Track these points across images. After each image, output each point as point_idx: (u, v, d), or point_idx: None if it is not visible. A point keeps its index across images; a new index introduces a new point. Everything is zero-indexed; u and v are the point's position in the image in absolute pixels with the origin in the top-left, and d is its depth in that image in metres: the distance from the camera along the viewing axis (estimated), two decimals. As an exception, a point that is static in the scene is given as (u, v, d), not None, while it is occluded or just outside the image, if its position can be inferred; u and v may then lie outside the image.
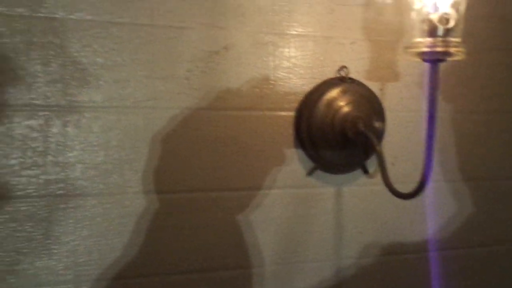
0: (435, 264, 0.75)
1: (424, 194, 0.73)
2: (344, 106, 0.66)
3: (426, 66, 0.48)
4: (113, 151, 0.62)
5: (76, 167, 0.61)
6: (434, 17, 0.45)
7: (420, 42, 0.47)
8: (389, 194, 0.60)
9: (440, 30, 0.45)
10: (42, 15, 0.58)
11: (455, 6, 0.46)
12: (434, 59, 0.46)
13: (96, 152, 0.61)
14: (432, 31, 0.46)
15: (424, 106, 0.70)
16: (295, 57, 0.69)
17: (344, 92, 0.66)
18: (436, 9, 0.46)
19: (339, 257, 0.73)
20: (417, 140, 0.74)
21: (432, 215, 0.76)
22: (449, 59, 0.46)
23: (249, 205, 0.68)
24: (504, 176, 0.81)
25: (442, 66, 0.66)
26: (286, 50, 0.68)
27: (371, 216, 0.74)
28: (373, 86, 0.72)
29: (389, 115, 0.73)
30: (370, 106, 0.68)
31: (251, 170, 0.68)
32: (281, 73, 0.68)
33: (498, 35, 0.77)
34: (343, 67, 0.70)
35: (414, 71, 0.74)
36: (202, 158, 0.65)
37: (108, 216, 0.62)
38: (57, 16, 0.59)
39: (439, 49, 0.45)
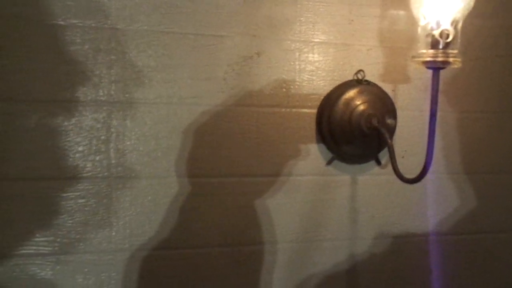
0: (438, 247, 0.84)
1: (429, 185, 0.82)
2: (360, 104, 0.76)
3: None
4: (162, 141, 0.74)
5: (132, 154, 0.73)
6: (436, 32, 0.55)
7: (424, 53, 0.57)
8: (398, 183, 0.70)
9: (441, 43, 0.55)
10: (107, 26, 0.70)
11: (453, 23, 0.56)
12: (436, 67, 0.56)
13: (149, 141, 0.73)
14: (434, 44, 0.56)
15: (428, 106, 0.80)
16: (318, 62, 0.79)
17: (360, 93, 0.76)
18: (438, 25, 0.56)
19: (353, 237, 0.83)
20: (425, 136, 0.83)
21: (436, 205, 0.85)
22: (449, 67, 0.56)
23: (276, 189, 0.79)
24: (506, 170, 0.89)
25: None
26: (310, 55, 0.78)
27: (383, 202, 0.84)
28: (387, 88, 0.82)
29: (400, 113, 0.83)
30: (383, 105, 0.77)
31: (279, 159, 0.78)
32: (306, 76, 0.78)
33: (500, 42, 0.86)
34: (360, 70, 0.79)
35: (423, 75, 0.83)
36: (237, 148, 0.76)
37: (156, 195, 0.74)
38: (119, 27, 0.70)
39: (440, 59, 0.55)
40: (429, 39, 0.55)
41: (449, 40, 0.54)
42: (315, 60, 0.78)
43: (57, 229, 0.70)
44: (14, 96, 0.67)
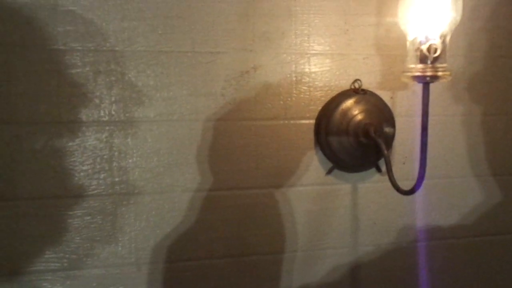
0: (442, 252, 0.84)
1: (433, 190, 0.83)
2: (357, 114, 0.76)
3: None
4: (164, 157, 0.76)
5: (134, 171, 0.75)
6: (424, 47, 0.55)
7: (413, 68, 0.57)
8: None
9: (430, 58, 0.55)
10: (106, 48, 0.72)
11: (442, 37, 0.56)
12: (425, 82, 0.56)
13: (150, 158, 0.75)
14: (423, 59, 0.56)
15: (431, 110, 0.81)
16: (315, 73, 0.80)
17: (357, 102, 0.77)
18: (427, 39, 0.56)
19: (355, 245, 0.84)
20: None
21: (441, 210, 0.85)
22: (437, 81, 0.56)
23: (278, 200, 0.80)
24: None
25: (472, 70, 0.73)
26: (307, 67, 0.79)
27: (384, 209, 0.84)
28: (385, 95, 0.82)
29: (399, 120, 0.83)
30: (381, 114, 0.78)
31: (278, 170, 0.80)
32: (302, 87, 0.79)
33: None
34: (357, 80, 0.80)
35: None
36: (237, 162, 0.78)
37: (161, 210, 0.76)
38: (117, 48, 0.72)
39: (429, 73, 0.55)
40: (418, 54, 0.56)
41: (437, 54, 0.55)
42: (311, 72, 0.79)
43: (65, 245, 0.73)
44: (20, 119, 0.70)
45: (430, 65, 0.55)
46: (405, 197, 0.84)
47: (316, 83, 0.79)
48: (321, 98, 0.80)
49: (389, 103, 0.82)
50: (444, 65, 0.56)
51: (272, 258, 0.81)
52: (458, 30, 0.74)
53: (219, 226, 0.78)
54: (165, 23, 0.73)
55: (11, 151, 0.70)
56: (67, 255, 0.73)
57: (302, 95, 0.79)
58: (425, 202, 0.84)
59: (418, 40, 0.57)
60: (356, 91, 0.78)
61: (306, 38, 0.78)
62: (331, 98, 0.79)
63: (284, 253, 0.81)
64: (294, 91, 0.79)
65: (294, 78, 0.79)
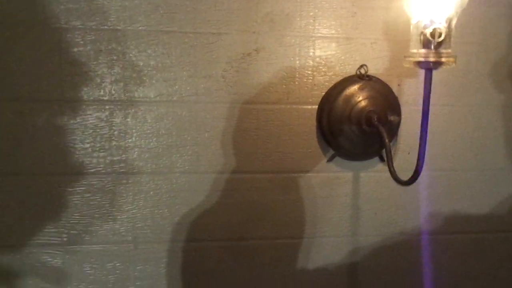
0: (444, 246, 0.82)
1: (436, 182, 0.80)
2: (361, 101, 0.74)
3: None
4: (163, 138, 0.76)
5: (134, 151, 0.75)
6: (428, 31, 0.52)
7: (416, 53, 0.54)
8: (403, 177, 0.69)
9: (433, 43, 0.52)
10: (107, 27, 0.72)
11: (447, 21, 0.53)
12: (427, 67, 0.54)
13: (150, 138, 0.75)
14: (426, 43, 0.53)
15: (439, 101, 0.78)
16: (319, 57, 0.77)
17: (361, 89, 0.75)
18: (431, 23, 0.53)
19: (355, 234, 0.83)
20: (432, 131, 0.81)
21: (445, 202, 0.83)
22: (441, 67, 0.53)
23: (277, 186, 0.79)
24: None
25: (494, 58, 0.69)
26: (311, 50, 0.77)
27: (386, 199, 0.82)
28: (392, 83, 0.79)
29: (406, 108, 0.80)
30: (386, 101, 0.75)
31: (279, 156, 0.79)
32: (306, 71, 0.77)
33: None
34: (363, 65, 0.77)
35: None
36: (237, 145, 0.77)
37: (159, 191, 0.77)
38: (119, 27, 0.72)
39: (431, 59, 0.53)
40: (421, 38, 0.53)
41: (441, 39, 0.52)
42: (316, 56, 0.77)
43: (65, 221, 0.74)
44: (24, 96, 0.71)
45: (433, 51, 0.52)
46: (408, 188, 0.81)
47: (320, 67, 0.77)
48: (325, 83, 0.78)
49: (396, 91, 0.79)
50: (449, 50, 0.53)
51: (270, 243, 0.80)
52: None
53: (217, 210, 0.78)
54: (167, 2, 0.72)
55: (14, 128, 0.71)
56: (67, 231, 0.74)
57: (305, 80, 0.77)
58: (430, 194, 0.81)
59: (422, 24, 0.54)
60: (361, 77, 0.76)
61: (311, 21, 0.76)
62: (334, 84, 0.77)
63: (282, 239, 0.80)
64: (297, 75, 0.77)
65: (297, 62, 0.77)
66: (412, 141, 0.82)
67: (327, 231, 0.82)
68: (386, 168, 0.79)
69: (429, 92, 0.54)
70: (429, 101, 0.55)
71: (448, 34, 0.52)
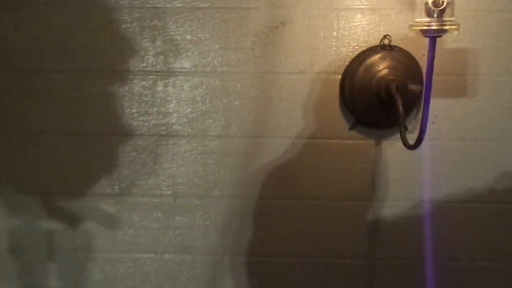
0: (463, 214, 0.84)
1: (459, 151, 0.81)
2: (381, 70, 0.77)
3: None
4: (198, 105, 0.85)
5: (173, 116, 0.85)
6: (430, 0, 0.55)
7: (419, 21, 0.57)
8: (424, 147, 0.71)
9: (436, 11, 0.55)
10: (149, 5, 0.81)
11: (450, -11, 0.55)
12: (431, 35, 0.56)
13: (186, 105, 0.85)
14: (429, 12, 0.56)
15: (468, 70, 0.79)
16: (343, 28, 0.81)
17: (382, 58, 0.78)
18: (437, -9, 0.55)
19: (375, 199, 0.87)
20: (456, 101, 0.82)
21: (466, 171, 0.84)
22: (445, 34, 0.55)
23: (300, 151, 0.85)
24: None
25: None
26: (335, 22, 0.81)
27: (407, 166, 0.85)
28: (417, 53, 0.81)
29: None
30: (407, 71, 0.78)
31: (304, 122, 0.84)
32: (330, 43, 0.82)
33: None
34: (386, 35, 0.80)
35: (457, 37, 0.80)
36: (264, 112, 0.84)
37: (194, 151, 0.87)
38: (159, 5, 0.81)
39: (434, 27, 0.55)
40: (425, 7, 0.55)
41: (442, 7, 0.54)
42: (340, 27, 0.81)
43: (116, 175, 0.87)
44: (81, 68, 0.83)
45: (436, 19, 0.55)
46: (430, 157, 0.84)
47: (344, 38, 0.81)
48: (349, 54, 0.82)
49: (421, 61, 0.81)
50: (452, 18, 0.55)
51: (293, 202, 0.87)
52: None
53: (245, 169, 0.86)
54: (201, -19, 0.80)
55: (74, 95, 0.84)
56: (117, 183, 0.87)
57: (328, 51, 0.82)
58: (451, 164, 0.83)
59: (424, -7, 0.56)
60: (384, 47, 0.78)
61: (336, -7, 0.80)
62: (357, 54, 0.80)
63: (305, 199, 0.87)
64: (321, 46, 0.81)
65: (321, 34, 0.81)
66: (437, 110, 0.83)
67: (349, 194, 0.87)
68: (410, 136, 0.82)
69: (433, 60, 0.57)
70: (432, 68, 0.57)
71: (451, 3, 0.54)
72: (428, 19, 0.55)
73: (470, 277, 0.88)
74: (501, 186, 0.84)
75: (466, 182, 0.85)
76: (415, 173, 0.85)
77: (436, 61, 0.79)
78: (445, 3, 0.53)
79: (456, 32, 0.55)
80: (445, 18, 0.54)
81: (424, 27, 0.55)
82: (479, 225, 0.86)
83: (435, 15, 0.54)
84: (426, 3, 0.54)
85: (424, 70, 0.80)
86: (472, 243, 0.87)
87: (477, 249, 0.88)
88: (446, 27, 0.54)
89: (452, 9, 0.55)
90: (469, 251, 0.88)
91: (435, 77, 0.79)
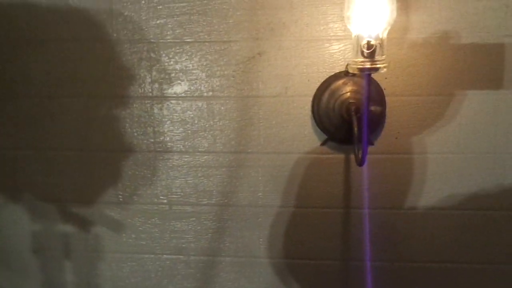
0: (435, 222, 0.93)
1: (428, 164, 0.91)
2: (343, 94, 0.88)
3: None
4: (188, 125, 0.98)
5: (167, 134, 0.99)
6: (364, 43, 0.65)
7: (356, 61, 0.68)
8: (391, 160, 0.85)
9: (369, 52, 0.65)
10: (146, 40, 0.95)
11: (378, 35, 0.65)
12: (365, 73, 0.67)
13: (178, 125, 0.98)
14: (363, 52, 0.66)
15: (424, 91, 0.88)
16: (312, 56, 0.92)
17: (345, 84, 0.88)
18: (368, 35, 0.66)
19: (346, 207, 0.97)
20: (417, 118, 0.92)
21: (432, 182, 0.93)
22: (377, 72, 0.66)
23: (278, 165, 0.97)
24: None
25: None
26: (305, 52, 0.92)
27: (377, 178, 0.96)
28: (379, 76, 0.91)
29: (393, 99, 0.92)
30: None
31: (280, 139, 0.96)
32: (301, 69, 0.93)
33: None
34: (349, 64, 0.90)
35: (416, 61, 0.90)
36: (244, 130, 0.95)
37: (186, 165, 1.00)
38: (153, 40, 0.95)
39: (367, 65, 0.66)
40: (359, 49, 0.66)
41: (373, 49, 0.65)
42: (309, 56, 0.92)
43: (120, 186, 1.02)
44: (88, 93, 0.98)
45: (368, 59, 0.65)
46: (396, 169, 0.93)
47: (313, 66, 0.92)
48: (319, 78, 0.93)
49: (382, 83, 0.91)
50: (383, 57, 0.65)
51: (268, 210, 0.99)
52: None
53: (230, 180, 0.98)
54: (188, 19, 0.93)
55: (83, 117, 0.99)
56: (121, 193, 1.02)
57: (300, 76, 0.93)
58: (419, 175, 0.92)
59: (359, 37, 0.67)
60: (347, 74, 0.89)
61: (304, 27, 0.91)
62: (324, 80, 0.91)
63: (287, 207, 0.98)
64: (294, 73, 0.93)
65: (293, 62, 0.93)
66: (399, 127, 0.93)
67: (319, 202, 0.98)
68: (375, 150, 0.92)
69: (368, 92, 0.68)
70: (368, 99, 0.68)
71: (382, 43, 0.65)
72: (362, 59, 0.66)
73: (439, 277, 0.97)
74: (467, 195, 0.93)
75: (437, 191, 0.94)
76: (384, 183, 0.95)
77: (396, 83, 0.89)
78: (377, 45, 0.64)
79: (385, 69, 0.66)
80: (377, 57, 0.65)
81: (360, 66, 0.66)
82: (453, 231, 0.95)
83: (368, 55, 0.65)
84: (361, 46, 0.65)
85: (385, 92, 0.91)
86: (451, 247, 0.96)
87: (452, 252, 0.97)
88: (377, 65, 0.65)
89: (383, 49, 0.65)
90: (438, 254, 0.97)
91: (396, 98, 0.90)
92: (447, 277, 0.97)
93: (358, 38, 0.68)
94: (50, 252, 1.06)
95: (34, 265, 1.07)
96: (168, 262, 1.04)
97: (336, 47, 0.91)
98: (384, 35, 0.66)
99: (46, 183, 1.02)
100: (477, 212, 0.94)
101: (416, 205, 0.95)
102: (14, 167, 1.02)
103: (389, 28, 0.66)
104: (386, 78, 0.91)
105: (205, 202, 1.00)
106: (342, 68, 0.91)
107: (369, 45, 0.64)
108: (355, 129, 0.80)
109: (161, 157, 0.99)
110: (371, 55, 0.64)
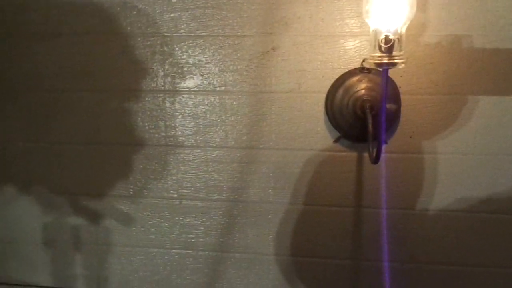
0: (445, 223, 0.91)
1: (440, 165, 0.89)
2: (358, 91, 0.87)
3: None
4: (200, 120, 0.97)
5: (179, 129, 0.98)
6: (382, 37, 0.64)
7: (373, 56, 0.66)
8: (403, 159, 0.84)
9: (386, 47, 0.64)
10: (159, 34, 0.95)
11: (397, 30, 0.64)
12: (383, 68, 0.66)
13: (190, 119, 0.98)
14: (381, 47, 0.65)
15: (440, 90, 0.87)
16: (327, 52, 0.91)
17: (359, 80, 0.87)
18: (387, 29, 0.65)
19: (358, 206, 0.96)
20: (432, 118, 0.90)
21: (448, 184, 0.91)
22: (395, 67, 0.65)
23: (289, 161, 0.96)
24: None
25: None
26: (320, 47, 0.91)
27: (390, 177, 0.94)
28: (394, 74, 0.90)
29: (408, 97, 0.90)
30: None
31: (292, 135, 0.95)
32: (315, 65, 0.92)
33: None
34: (365, 59, 0.89)
35: (432, 60, 0.88)
36: (256, 126, 0.95)
37: (197, 160, 0.99)
38: (167, 34, 0.94)
39: (385, 61, 0.64)
40: (377, 44, 0.65)
41: (391, 44, 0.63)
42: (324, 52, 0.91)
43: (131, 179, 1.02)
44: (101, 87, 0.98)
45: (386, 54, 0.64)
46: (407, 169, 0.92)
47: (328, 62, 0.91)
48: (333, 75, 0.92)
49: (398, 81, 0.89)
50: (401, 52, 0.64)
51: (279, 207, 0.98)
52: None
53: (241, 176, 0.98)
54: (202, 12, 0.92)
55: (96, 110, 0.99)
56: (132, 187, 1.02)
57: (314, 72, 0.92)
58: (433, 176, 0.91)
59: (377, 31, 0.66)
60: (362, 70, 0.88)
61: (320, 22, 0.90)
62: (338, 76, 0.90)
63: (289, 205, 0.98)
64: (308, 69, 0.92)
65: (307, 57, 0.91)
66: (414, 126, 0.92)
67: (331, 201, 0.97)
68: (388, 149, 0.91)
69: (386, 88, 0.66)
70: (386, 95, 0.67)
71: (400, 38, 0.63)
72: (380, 54, 0.64)
73: (450, 280, 0.96)
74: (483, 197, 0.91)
75: (448, 193, 0.93)
76: (395, 183, 0.94)
77: (411, 81, 0.88)
78: (395, 40, 0.62)
79: (403, 65, 0.64)
80: (395, 53, 0.63)
81: (377, 61, 0.65)
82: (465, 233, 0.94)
83: (386, 50, 0.63)
84: (379, 40, 0.64)
85: (401, 90, 0.90)
86: (461, 249, 0.95)
87: (462, 255, 0.95)
88: (395, 61, 0.64)
89: (401, 44, 0.64)
90: (448, 256, 0.95)
91: (411, 97, 0.88)
92: (457, 279, 0.96)
93: (376, 33, 0.66)
94: (60, 244, 1.06)
95: (45, 257, 1.07)
96: (177, 256, 1.03)
97: (351, 43, 0.89)
98: (403, 30, 0.65)
99: (57, 176, 1.02)
100: (491, 215, 0.92)
101: (428, 207, 0.93)
102: (26, 160, 1.03)
103: (408, 23, 0.65)
104: (401, 76, 0.90)
105: (215, 197, 1.00)
106: (357, 65, 0.90)
107: (387, 40, 0.63)
108: (370, 126, 0.79)
109: (172, 151, 0.99)
110: (389, 50, 0.63)
